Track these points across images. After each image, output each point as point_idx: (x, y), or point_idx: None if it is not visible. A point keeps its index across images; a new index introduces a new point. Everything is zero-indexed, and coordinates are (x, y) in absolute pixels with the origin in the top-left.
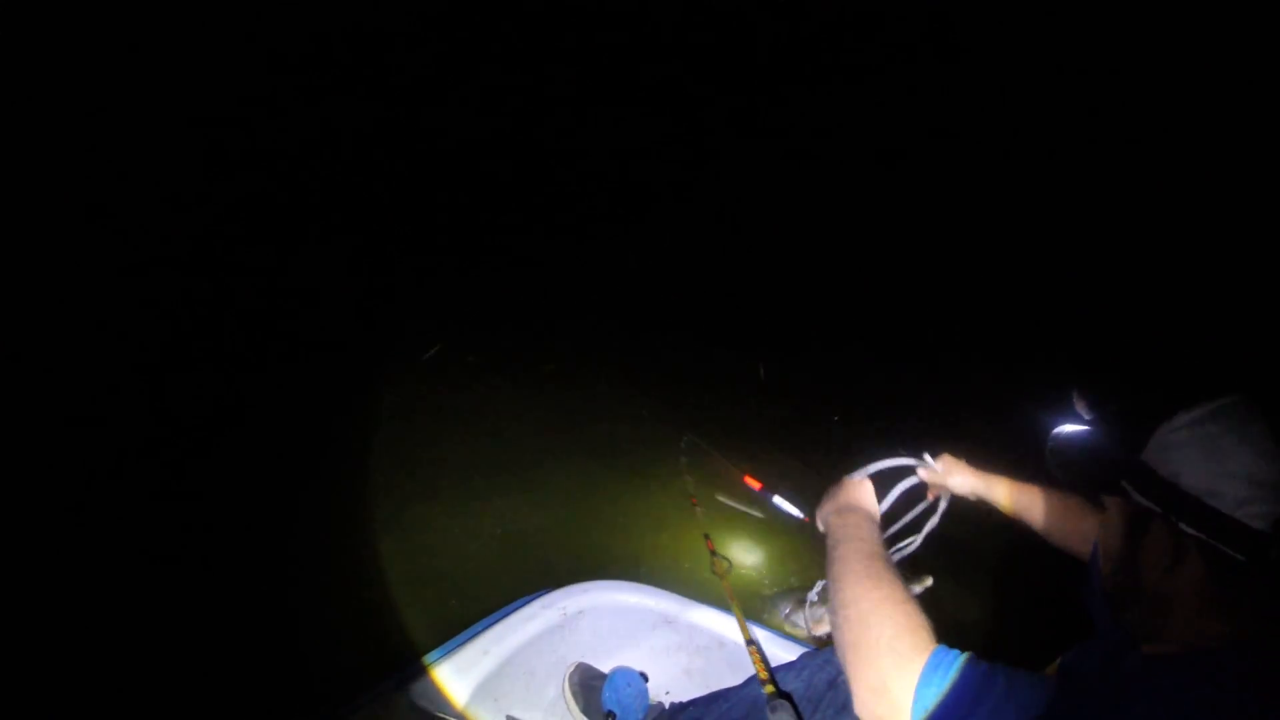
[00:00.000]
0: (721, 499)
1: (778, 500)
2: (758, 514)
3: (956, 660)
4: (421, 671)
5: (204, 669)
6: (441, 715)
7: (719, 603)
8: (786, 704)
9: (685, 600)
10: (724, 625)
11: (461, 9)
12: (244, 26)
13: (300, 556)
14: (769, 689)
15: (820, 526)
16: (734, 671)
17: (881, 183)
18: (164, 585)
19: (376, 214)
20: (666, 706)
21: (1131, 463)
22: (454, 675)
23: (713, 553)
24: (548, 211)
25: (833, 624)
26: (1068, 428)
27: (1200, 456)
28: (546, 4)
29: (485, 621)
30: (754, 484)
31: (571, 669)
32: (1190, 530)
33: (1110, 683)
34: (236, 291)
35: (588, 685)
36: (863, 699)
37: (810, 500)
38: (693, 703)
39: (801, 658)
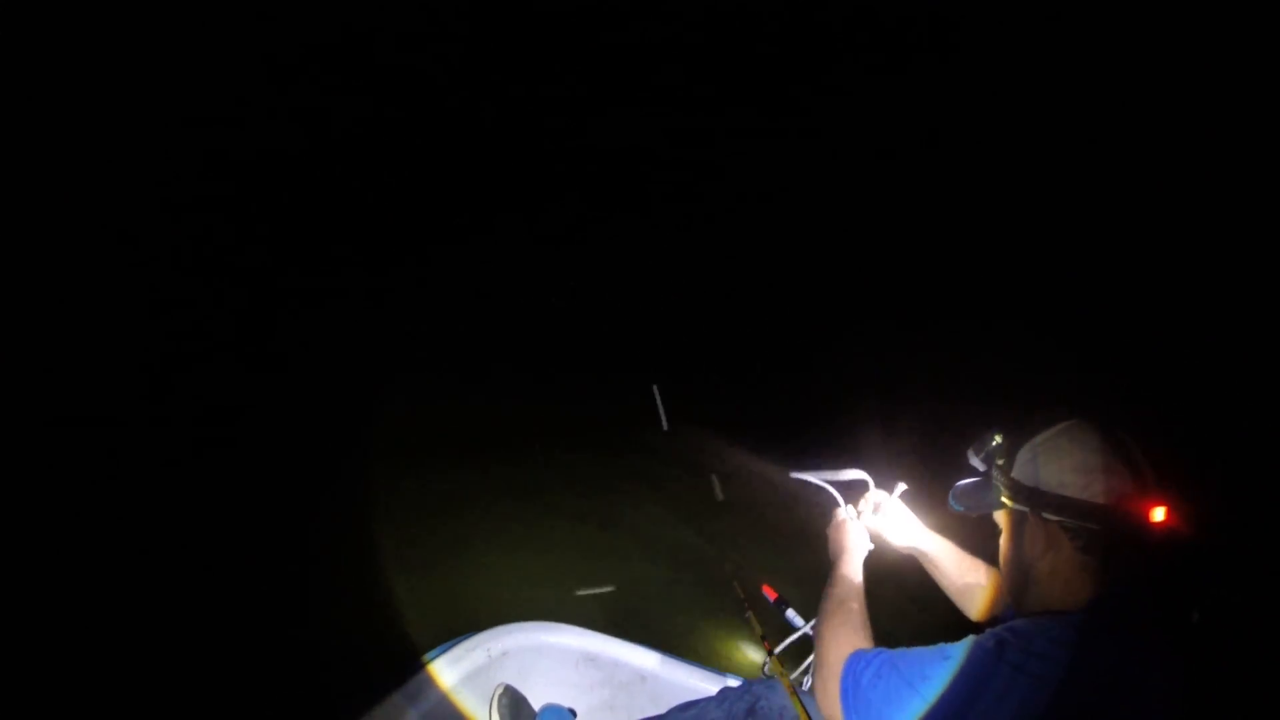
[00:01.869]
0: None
1: (790, 614)
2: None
3: (865, 661)
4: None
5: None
6: None
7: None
8: None
9: (606, 637)
10: (643, 659)
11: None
12: (247, 25)
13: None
14: None
15: None
16: (655, 704)
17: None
18: (153, 588)
19: (388, 211)
20: None
21: (1004, 481)
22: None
23: (770, 653)
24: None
25: None
26: (962, 481)
27: (1045, 463)
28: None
29: (410, 666)
30: (770, 594)
31: (500, 690)
32: (1052, 517)
33: (945, 656)
34: (245, 290)
35: (515, 710)
36: (817, 698)
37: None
38: None
39: (721, 691)
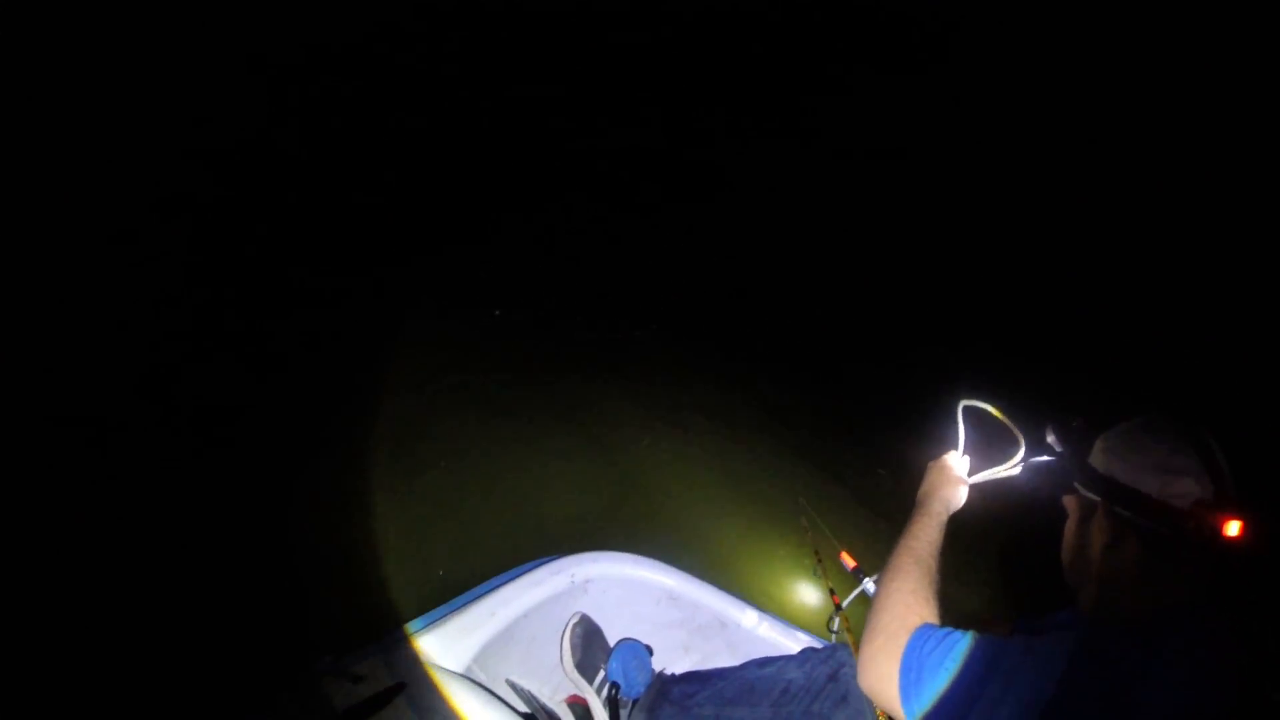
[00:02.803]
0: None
1: (869, 584)
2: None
3: (939, 636)
4: (428, 627)
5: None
6: (445, 668)
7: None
8: None
9: (690, 577)
10: (726, 606)
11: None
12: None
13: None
14: None
15: None
16: (732, 653)
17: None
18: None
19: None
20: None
21: (1077, 465)
22: (460, 634)
23: (838, 607)
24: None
25: None
26: (1036, 457)
27: (1124, 454)
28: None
29: (494, 582)
30: (849, 561)
31: (575, 619)
32: (1124, 513)
33: (1060, 648)
34: (238, 261)
35: (588, 640)
36: (860, 671)
37: None
38: (686, 677)
39: (804, 651)
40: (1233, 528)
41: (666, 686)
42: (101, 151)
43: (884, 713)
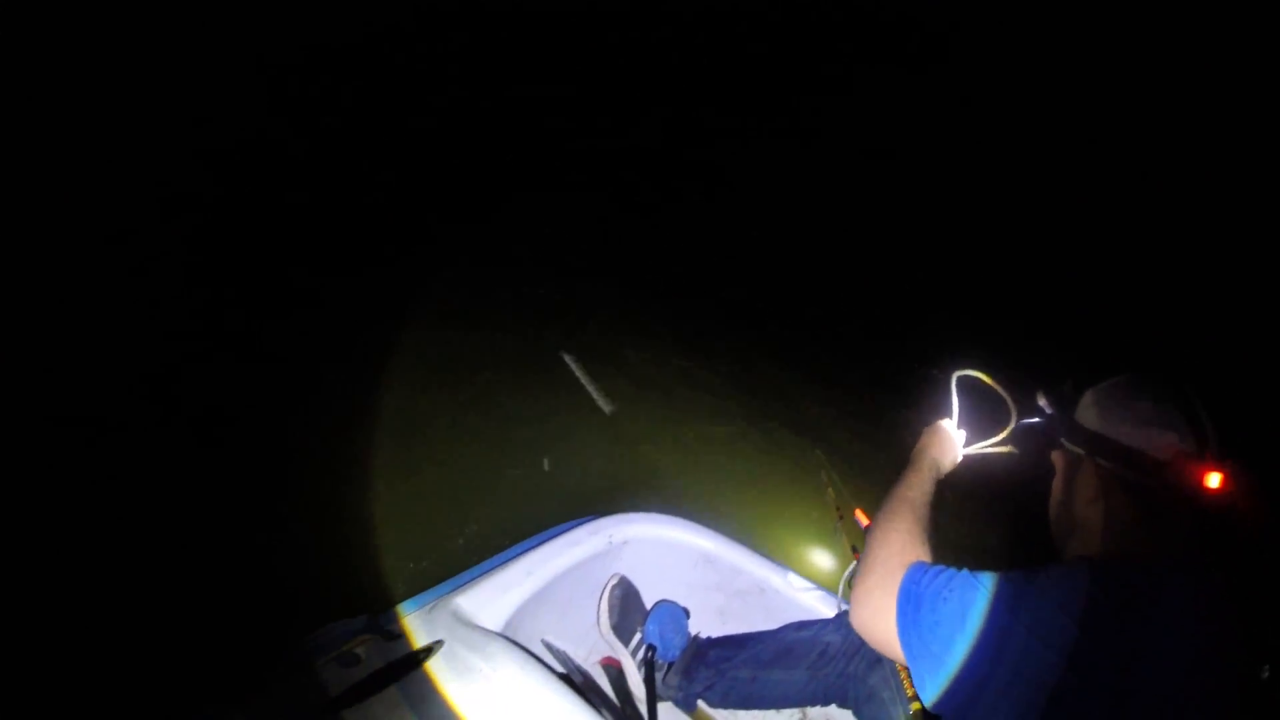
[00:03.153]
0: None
1: None
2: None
3: (933, 572)
4: (466, 586)
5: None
6: (482, 627)
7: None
8: None
9: (730, 542)
10: (765, 571)
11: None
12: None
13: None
14: (915, 706)
15: None
16: (768, 618)
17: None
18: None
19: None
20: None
21: (1064, 422)
22: (497, 593)
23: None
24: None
25: None
26: (1025, 420)
27: (1108, 408)
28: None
29: (531, 541)
30: (863, 519)
31: (615, 580)
32: (1108, 465)
33: (1066, 580)
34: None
35: (625, 602)
36: (853, 609)
37: None
38: (722, 641)
39: (840, 614)
40: (1213, 479)
41: (703, 649)
42: (100, 151)
43: (904, 669)
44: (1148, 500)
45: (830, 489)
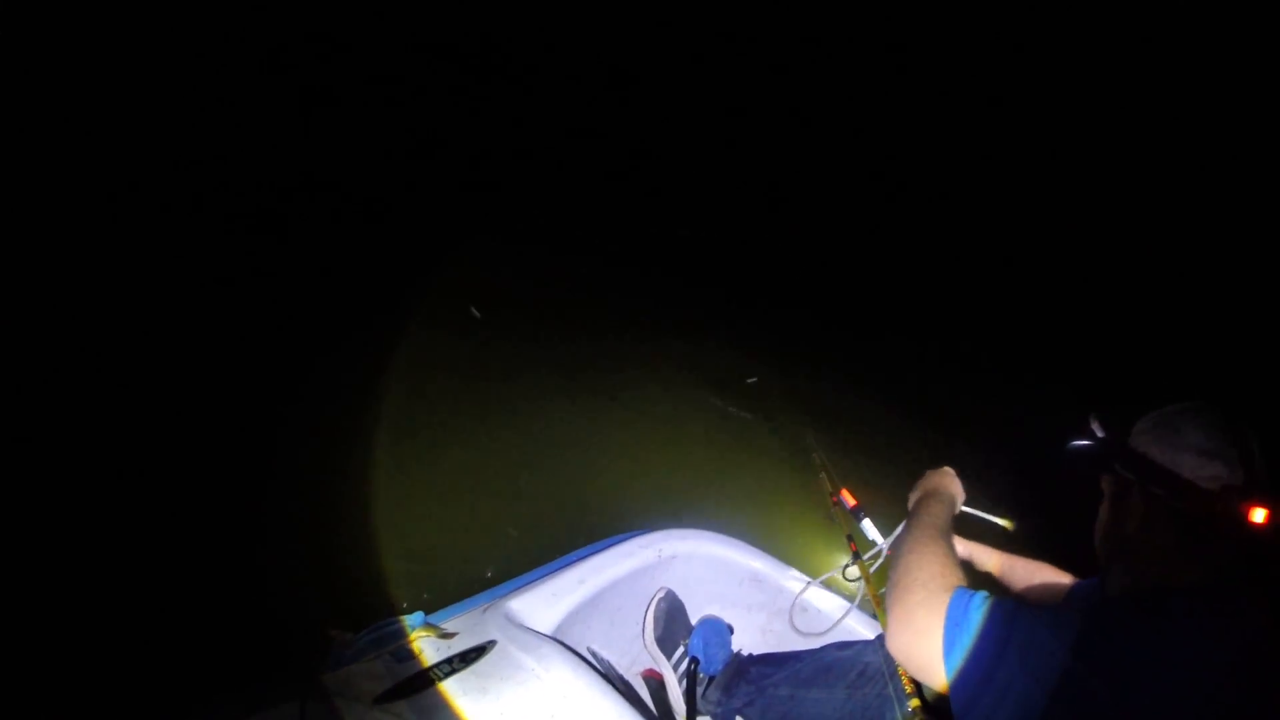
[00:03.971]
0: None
1: (866, 525)
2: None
3: (979, 597)
4: (519, 590)
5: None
6: (534, 629)
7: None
8: None
9: (776, 561)
10: (809, 592)
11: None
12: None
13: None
14: (914, 703)
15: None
16: (812, 642)
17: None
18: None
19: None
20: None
21: (1117, 447)
22: (549, 598)
23: (856, 554)
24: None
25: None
26: (1078, 441)
27: (1161, 436)
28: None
29: (583, 551)
30: (849, 499)
31: (661, 594)
32: (1157, 492)
33: (1077, 619)
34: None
35: (671, 616)
36: (893, 630)
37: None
38: (764, 658)
39: (881, 635)
40: (1259, 514)
41: (744, 666)
42: (100, 150)
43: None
44: (1192, 530)
45: (823, 471)
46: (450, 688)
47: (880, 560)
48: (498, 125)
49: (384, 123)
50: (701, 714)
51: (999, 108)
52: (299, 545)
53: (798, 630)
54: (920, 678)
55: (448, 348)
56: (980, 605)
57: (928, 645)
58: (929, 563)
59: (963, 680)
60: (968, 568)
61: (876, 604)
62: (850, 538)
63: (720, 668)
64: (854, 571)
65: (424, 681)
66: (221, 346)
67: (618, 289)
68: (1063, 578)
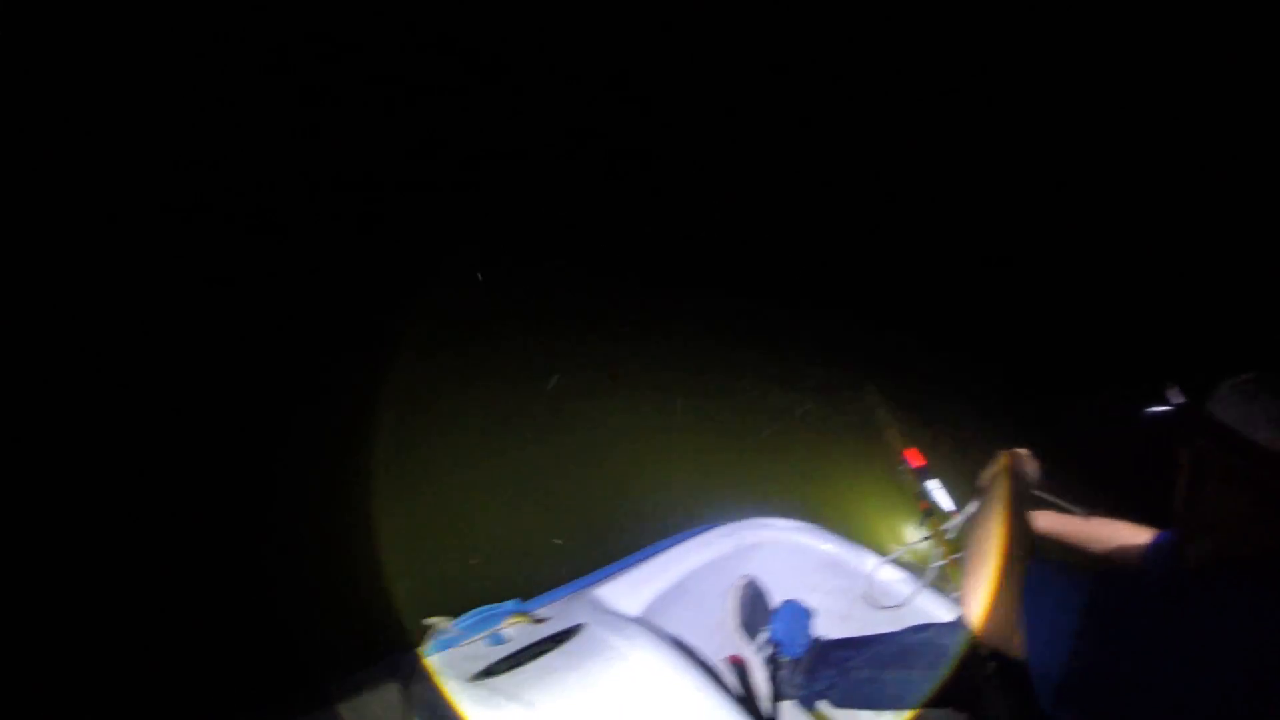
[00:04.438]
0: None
1: (931, 487)
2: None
3: (1057, 566)
4: (607, 578)
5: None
6: (623, 613)
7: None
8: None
9: (856, 548)
10: (890, 577)
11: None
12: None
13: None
14: (991, 673)
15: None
16: (890, 623)
17: None
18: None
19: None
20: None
21: (1197, 415)
22: (635, 585)
23: (927, 512)
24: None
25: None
26: (1155, 408)
27: (1241, 406)
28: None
29: (667, 541)
30: (914, 459)
31: (744, 582)
32: (1236, 460)
33: (1167, 583)
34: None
35: (753, 602)
36: (970, 599)
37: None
38: (844, 642)
39: (960, 618)
40: None
41: (825, 650)
42: (99, 150)
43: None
44: (1270, 498)
45: (889, 428)
46: (541, 665)
47: (952, 525)
48: (497, 125)
49: (384, 123)
50: (784, 697)
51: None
52: (407, 540)
53: (875, 610)
54: (998, 647)
55: (510, 354)
56: (1058, 575)
57: (1005, 614)
58: (1005, 534)
59: (1041, 650)
60: (1044, 541)
61: (950, 568)
62: (920, 497)
63: (801, 651)
64: (923, 535)
65: (517, 661)
66: (286, 346)
67: (651, 290)
68: (1139, 537)
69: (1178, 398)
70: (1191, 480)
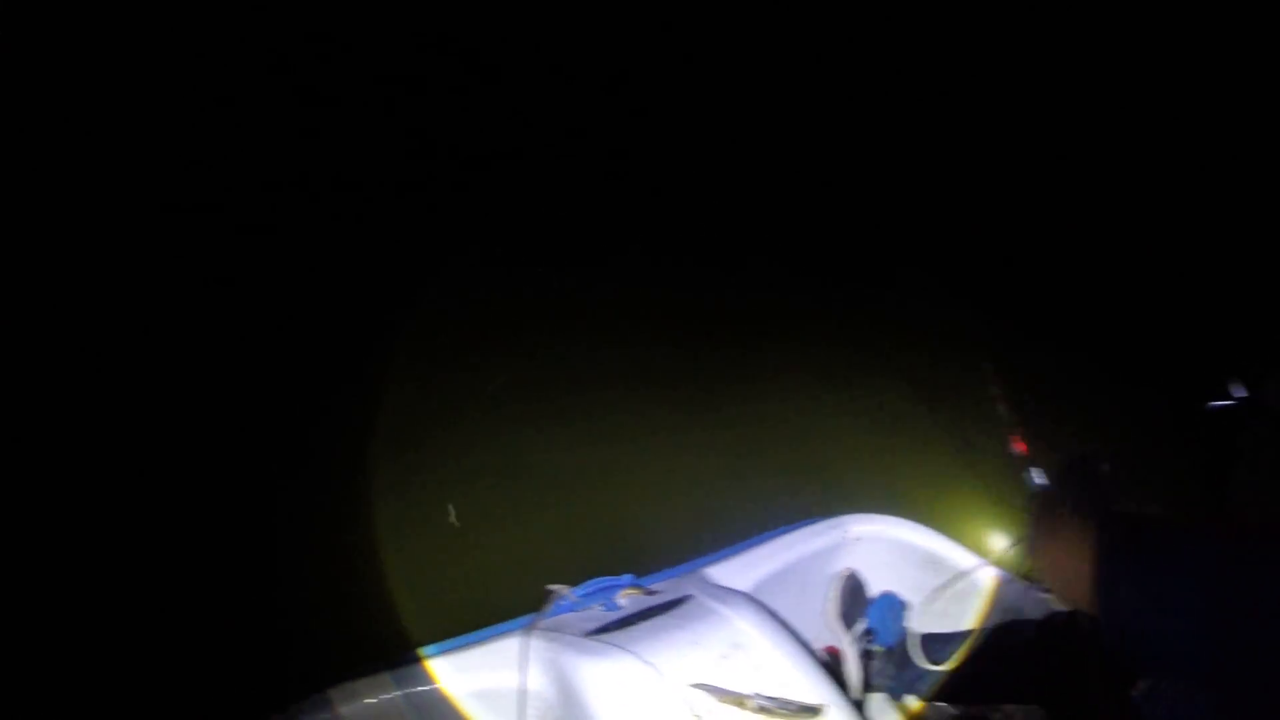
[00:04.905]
0: None
1: (1034, 475)
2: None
3: (1135, 519)
4: (716, 560)
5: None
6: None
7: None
8: None
9: (957, 546)
10: (989, 576)
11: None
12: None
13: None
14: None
15: None
16: (986, 622)
17: None
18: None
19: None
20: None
21: (1256, 404)
22: (742, 569)
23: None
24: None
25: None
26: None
27: None
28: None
29: (776, 531)
30: (1019, 446)
31: (846, 574)
32: None
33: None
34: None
35: (853, 594)
36: (1045, 550)
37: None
38: (938, 636)
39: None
40: None
41: (919, 642)
42: (100, 150)
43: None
44: None
45: (1001, 405)
46: (652, 624)
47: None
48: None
49: (384, 123)
50: (875, 688)
51: None
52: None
53: (972, 608)
54: (1073, 600)
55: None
56: (1139, 529)
57: (1081, 568)
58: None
59: (1120, 608)
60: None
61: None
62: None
63: (894, 641)
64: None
65: (629, 621)
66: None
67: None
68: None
69: (1239, 391)
70: (1251, 469)
